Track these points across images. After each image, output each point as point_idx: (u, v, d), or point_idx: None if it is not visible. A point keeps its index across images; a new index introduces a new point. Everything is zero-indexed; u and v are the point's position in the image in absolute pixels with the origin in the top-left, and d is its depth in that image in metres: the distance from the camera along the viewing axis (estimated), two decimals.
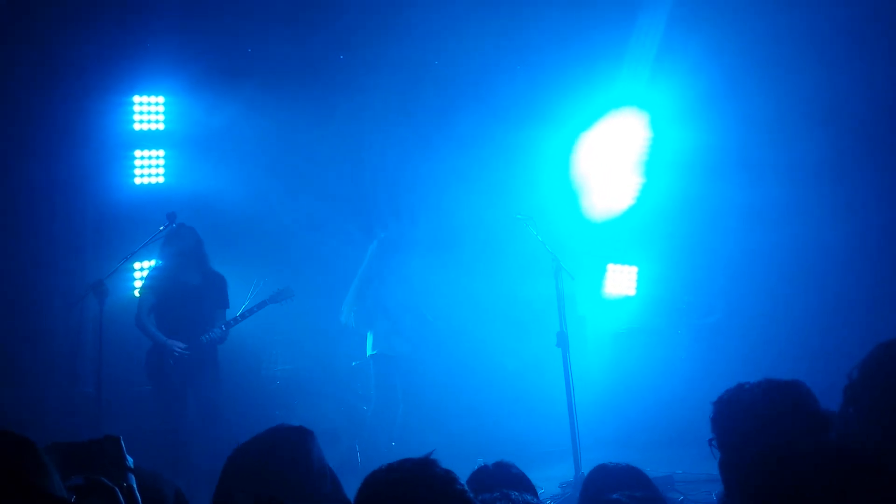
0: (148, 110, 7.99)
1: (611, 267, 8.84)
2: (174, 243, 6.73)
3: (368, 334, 7.67)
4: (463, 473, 2.80)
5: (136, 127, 7.95)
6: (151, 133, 8.03)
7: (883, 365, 2.86)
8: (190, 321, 6.71)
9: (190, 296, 6.74)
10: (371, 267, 7.71)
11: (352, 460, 7.30)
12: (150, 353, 6.74)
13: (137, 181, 7.97)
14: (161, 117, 8.05)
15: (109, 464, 2.33)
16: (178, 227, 6.78)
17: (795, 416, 2.43)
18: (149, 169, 8.04)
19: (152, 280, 6.85)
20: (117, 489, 2.20)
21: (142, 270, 7.66)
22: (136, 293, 7.25)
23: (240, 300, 7.16)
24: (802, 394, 2.54)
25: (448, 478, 1.90)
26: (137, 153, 7.98)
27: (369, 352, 7.64)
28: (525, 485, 2.74)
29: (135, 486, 2.35)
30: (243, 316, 6.86)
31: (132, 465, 2.41)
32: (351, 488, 2.75)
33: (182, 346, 6.63)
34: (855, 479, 1.96)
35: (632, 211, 8.76)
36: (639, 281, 8.75)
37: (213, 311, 6.83)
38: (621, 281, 8.81)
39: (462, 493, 1.89)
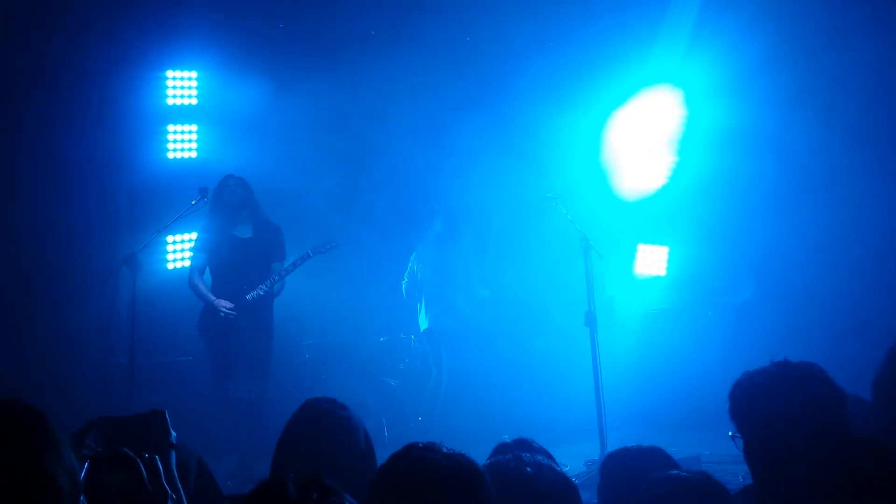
0: (181, 85, 8.04)
1: (641, 247, 8.79)
2: (222, 196, 6.62)
3: (421, 309, 7.70)
4: (489, 449, 2.82)
5: (170, 102, 8.00)
6: (184, 108, 8.09)
7: None
8: (242, 277, 6.57)
9: (240, 250, 6.61)
10: (432, 242, 7.71)
11: (379, 435, 7.37)
12: (203, 313, 6.66)
13: (170, 155, 8.04)
14: (194, 92, 8.10)
15: (154, 438, 2.37)
16: (226, 179, 6.67)
17: (807, 400, 2.38)
18: (181, 143, 8.11)
19: (202, 238, 6.74)
20: (139, 461, 2.22)
21: (174, 244, 7.74)
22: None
23: None
24: (814, 377, 2.47)
25: (455, 460, 1.89)
26: (170, 127, 8.05)
27: (422, 326, 7.70)
28: (547, 456, 2.75)
29: (174, 460, 2.39)
30: (287, 271, 6.69)
31: (175, 440, 2.45)
32: (378, 463, 2.80)
33: (229, 305, 6.52)
34: (861, 464, 1.96)
35: (664, 190, 8.68)
36: (669, 261, 8.70)
37: (267, 265, 6.67)
38: (652, 261, 8.76)
39: (473, 473, 1.89)
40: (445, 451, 1.90)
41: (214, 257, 6.67)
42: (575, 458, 6.66)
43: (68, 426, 2.53)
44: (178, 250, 7.78)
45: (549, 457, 2.70)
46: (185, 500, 2.36)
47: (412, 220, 8.35)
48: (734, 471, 5.45)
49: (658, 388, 7.90)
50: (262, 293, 6.60)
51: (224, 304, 6.53)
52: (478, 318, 7.73)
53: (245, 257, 6.62)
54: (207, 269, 6.77)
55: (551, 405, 7.85)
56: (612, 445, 6.33)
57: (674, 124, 8.57)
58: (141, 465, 2.20)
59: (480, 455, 2.34)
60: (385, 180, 8.78)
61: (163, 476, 2.24)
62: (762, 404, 2.44)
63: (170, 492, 2.25)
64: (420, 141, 8.72)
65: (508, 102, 8.42)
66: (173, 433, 2.42)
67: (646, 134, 8.63)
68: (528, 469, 2.24)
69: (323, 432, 2.76)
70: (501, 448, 2.81)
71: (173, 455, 2.37)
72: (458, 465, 1.87)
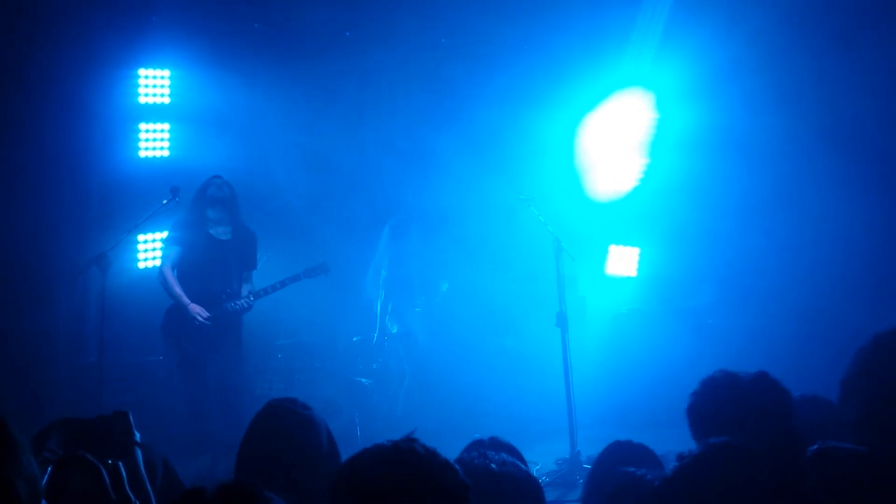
0: (153, 83, 7.98)
1: (613, 248, 8.86)
2: (207, 191, 6.49)
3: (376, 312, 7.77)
4: (460, 448, 2.85)
5: (142, 100, 7.94)
6: (156, 106, 8.03)
7: (882, 356, 2.83)
8: (215, 281, 6.39)
9: (217, 251, 6.44)
10: (382, 250, 7.82)
11: (352, 434, 7.37)
12: (170, 313, 6.44)
13: (142, 154, 7.98)
14: (166, 91, 8.04)
15: (117, 439, 2.35)
16: (213, 177, 6.55)
17: (759, 410, 2.52)
18: (153, 142, 8.05)
19: (176, 234, 6.52)
20: (101, 466, 2.18)
21: (145, 243, 7.69)
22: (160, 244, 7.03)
23: None
24: (767, 387, 2.61)
25: (430, 456, 1.88)
26: (142, 126, 7.99)
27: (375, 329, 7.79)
28: (516, 455, 2.79)
29: (140, 461, 2.36)
30: (274, 288, 6.56)
31: (139, 441, 2.42)
32: None
33: (206, 314, 6.31)
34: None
35: (635, 192, 8.76)
36: (640, 262, 8.78)
37: (239, 272, 6.53)
38: (623, 262, 8.83)
39: (445, 467, 1.88)
40: (421, 448, 1.88)
41: (188, 254, 6.47)
42: (546, 457, 6.71)
43: (36, 426, 2.51)
44: (149, 249, 7.73)
45: (518, 456, 2.73)
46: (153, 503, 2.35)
47: (386, 220, 8.36)
48: None
49: (628, 387, 7.97)
50: (246, 306, 6.44)
51: (199, 312, 6.33)
52: (420, 321, 7.80)
53: (221, 259, 6.48)
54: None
55: (523, 404, 7.88)
56: (583, 444, 6.44)
57: (645, 127, 8.65)
58: (104, 471, 2.17)
59: (452, 453, 2.36)
60: (359, 181, 8.78)
61: (126, 482, 2.21)
62: (712, 413, 2.54)
63: (133, 499, 2.22)
64: (394, 142, 8.73)
65: (482, 105, 8.45)
66: (137, 434, 2.39)
67: (617, 136, 8.70)
68: (494, 466, 2.27)
69: (284, 431, 2.75)
70: (476, 444, 2.84)
71: (139, 454, 2.34)
72: (429, 461, 1.86)
